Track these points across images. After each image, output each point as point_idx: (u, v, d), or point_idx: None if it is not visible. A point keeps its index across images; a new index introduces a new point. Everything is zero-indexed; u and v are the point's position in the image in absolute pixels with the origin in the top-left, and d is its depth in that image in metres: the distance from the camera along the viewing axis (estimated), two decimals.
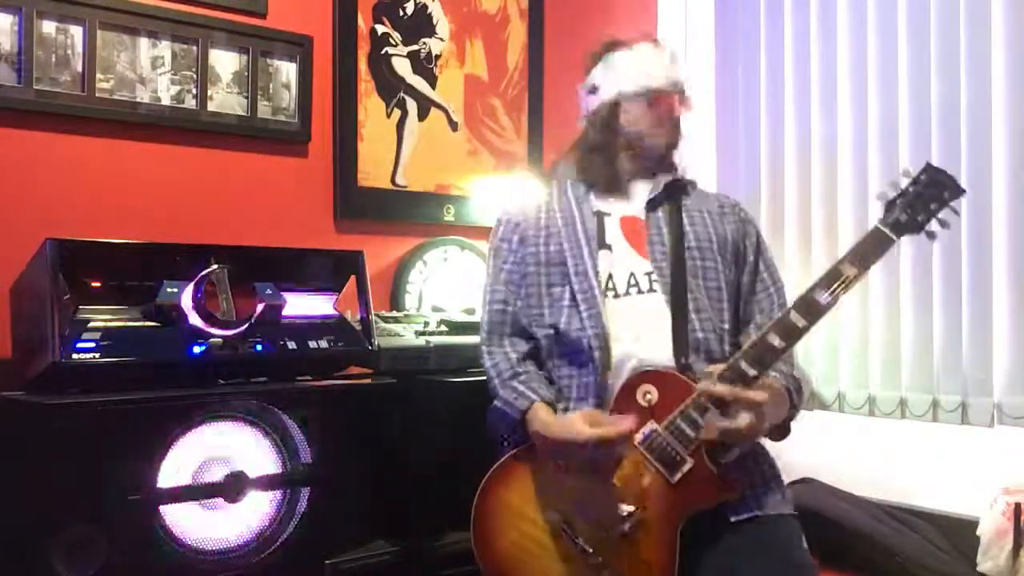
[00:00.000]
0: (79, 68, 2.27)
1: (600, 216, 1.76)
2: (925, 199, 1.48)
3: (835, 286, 1.46)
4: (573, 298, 1.67)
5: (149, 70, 2.38)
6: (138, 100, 2.36)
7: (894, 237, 1.48)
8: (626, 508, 1.47)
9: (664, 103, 1.76)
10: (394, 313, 2.50)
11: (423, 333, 2.26)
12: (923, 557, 2.39)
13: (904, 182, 1.51)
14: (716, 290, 1.67)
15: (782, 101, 2.97)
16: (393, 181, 2.82)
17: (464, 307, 2.77)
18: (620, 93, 1.77)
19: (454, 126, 2.96)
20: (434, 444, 2.15)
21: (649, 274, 1.66)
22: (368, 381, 2.12)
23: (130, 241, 1.94)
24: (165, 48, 2.41)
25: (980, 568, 2.27)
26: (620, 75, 1.77)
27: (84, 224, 2.23)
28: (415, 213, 2.86)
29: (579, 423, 1.49)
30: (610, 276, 1.67)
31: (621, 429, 1.46)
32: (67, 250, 1.75)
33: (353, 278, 2.13)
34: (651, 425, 1.49)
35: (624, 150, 1.79)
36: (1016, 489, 2.25)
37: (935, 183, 1.48)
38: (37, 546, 1.62)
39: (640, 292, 1.65)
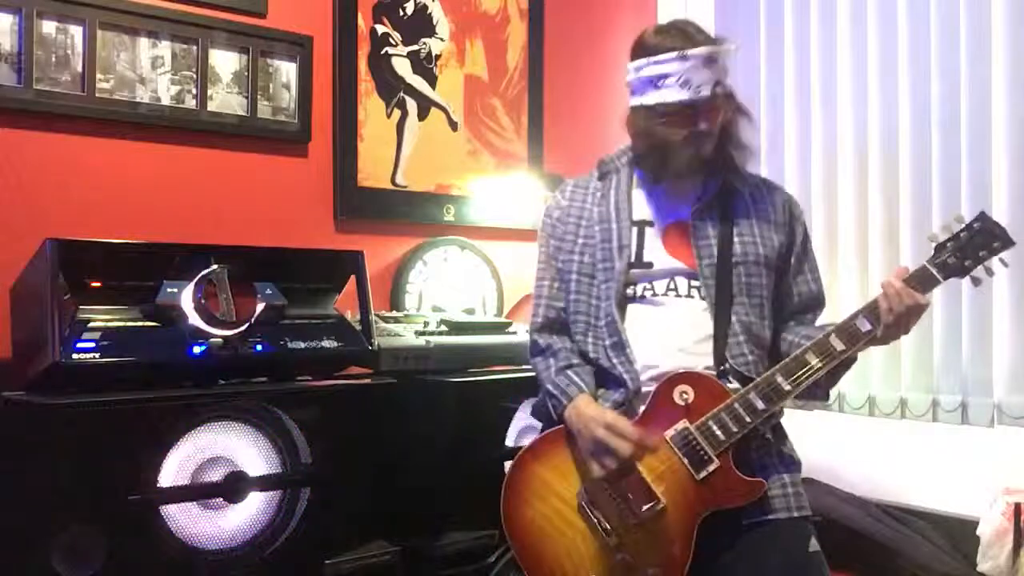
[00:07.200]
0: (79, 68, 2.27)
1: (642, 228, 1.68)
2: (975, 246, 1.53)
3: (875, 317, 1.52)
4: (598, 320, 1.66)
5: (149, 70, 2.38)
6: (138, 100, 2.36)
7: (940, 278, 1.53)
8: (648, 500, 1.52)
9: (679, 116, 1.61)
10: (394, 313, 2.50)
11: (423, 333, 2.26)
12: (923, 557, 2.39)
13: (956, 227, 1.55)
14: (758, 307, 1.64)
15: (782, 102, 2.97)
16: (393, 181, 2.82)
17: (464, 307, 2.77)
18: (640, 104, 1.64)
19: (454, 126, 2.96)
20: (434, 444, 2.15)
21: (691, 282, 1.63)
22: (368, 381, 2.12)
23: (130, 241, 1.94)
24: (165, 48, 2.41)
25: (980, 568, 2.27)
26: (641, 83, 1.63)
27: (84, 224, 2.23)
28: (415, 213, 2.86)
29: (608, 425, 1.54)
30: (647, 286, 1.65)
31: (643, 440, 1.51)
32: (67, 250, 1.75)
33: (353, 278, 2.13)
34: (684, 423, 1.54)
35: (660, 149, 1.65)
36: (1016, 489, 2.25)
37: (986, 232, 1.53)
38: (37, 546, 1.62)
39: (678, 296, 1.63)
